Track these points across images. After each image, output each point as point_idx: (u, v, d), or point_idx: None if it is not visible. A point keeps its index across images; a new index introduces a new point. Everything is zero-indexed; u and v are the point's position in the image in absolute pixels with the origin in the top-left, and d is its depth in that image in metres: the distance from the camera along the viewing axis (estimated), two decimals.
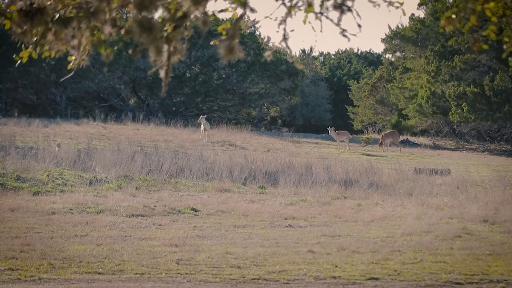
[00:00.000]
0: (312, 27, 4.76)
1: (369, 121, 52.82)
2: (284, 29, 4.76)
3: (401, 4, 5.22)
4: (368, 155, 30.65)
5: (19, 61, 5.33)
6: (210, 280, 9.04)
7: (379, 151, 32.97)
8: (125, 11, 4.94)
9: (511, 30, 5.79)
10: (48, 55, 5.12)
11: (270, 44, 58.70)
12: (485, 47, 5.70)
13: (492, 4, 5.38)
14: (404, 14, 5.38)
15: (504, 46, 5.84)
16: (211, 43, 4.77)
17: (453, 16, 5.31)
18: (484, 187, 19.14)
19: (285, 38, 4.79)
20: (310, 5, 4.61)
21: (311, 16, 4.77)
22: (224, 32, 4.64)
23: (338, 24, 4.66)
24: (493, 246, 11.59)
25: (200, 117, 32.10)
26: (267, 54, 5.02)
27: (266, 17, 4.83)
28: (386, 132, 36.83)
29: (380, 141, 34.42)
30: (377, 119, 52.52)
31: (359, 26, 4.76)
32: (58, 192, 15.80)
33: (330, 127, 33.43)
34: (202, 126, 31.52)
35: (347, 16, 4.78)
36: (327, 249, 11.02)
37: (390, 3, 5.13)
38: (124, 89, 45.85)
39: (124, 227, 12.58)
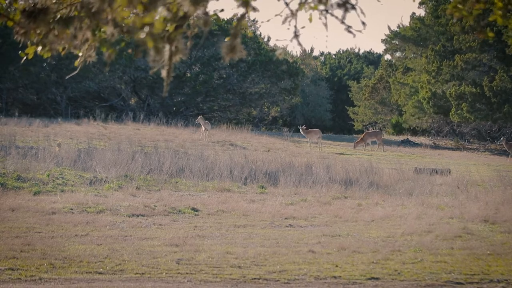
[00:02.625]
0: (324, 24, 4.75)
1: (370, 121, 52.83)
2: (295, 26, 4.75)
3: None
4: (341, 153, 30.55)
5: (24, 58, 5.33)
6: (210, 280, 9.04)
7: (357, 150, 32.65)
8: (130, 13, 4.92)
9: None
10: (50, 55, 5.12)
11: (271, 44, 58.67)
12: (491, 34, 5.72)
13: None
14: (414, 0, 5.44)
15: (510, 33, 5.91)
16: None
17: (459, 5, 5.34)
18: (485, 187, 19.13)
19: (296, 35, 4.78)
20: (320, 1, 4.61)
21: (315, 14, 4.75)
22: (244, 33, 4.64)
23: (342, 22, 4.66)
24: (493, 246, 11.59)
25: (198, 118, 32.09)
26: (279, 53, 5.07)
27: (276, 15, 4.82)
28: (369, 131, 36.66)
29: (358, 140, 34.04)
30: (377, 119, 52.52)
31: (363, 23, 4.76)
32: (59, 192, 15.80)
33: (301, 126, 33.68)
34: (202, 126, 31.51)
35: (349, 14, 4.79)
36: (328, 249, 11.02)
37: None
38: (125, 89, 45.85)
39: (124, 227, 12.58)
